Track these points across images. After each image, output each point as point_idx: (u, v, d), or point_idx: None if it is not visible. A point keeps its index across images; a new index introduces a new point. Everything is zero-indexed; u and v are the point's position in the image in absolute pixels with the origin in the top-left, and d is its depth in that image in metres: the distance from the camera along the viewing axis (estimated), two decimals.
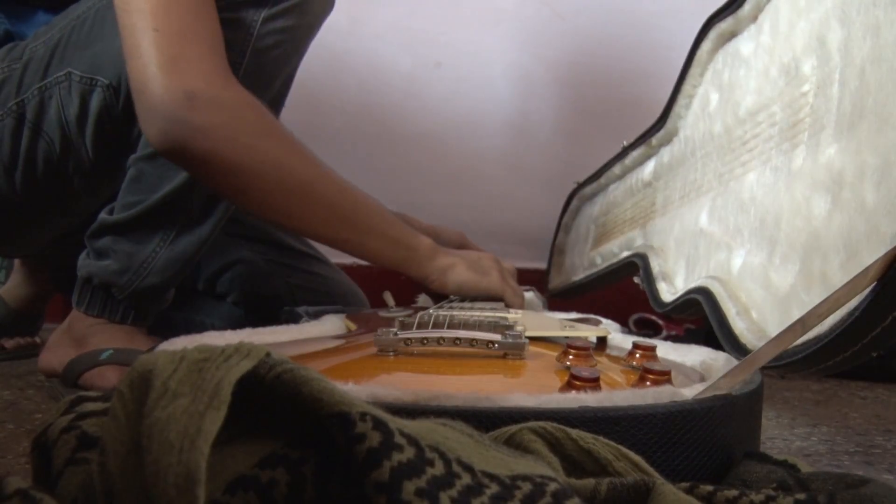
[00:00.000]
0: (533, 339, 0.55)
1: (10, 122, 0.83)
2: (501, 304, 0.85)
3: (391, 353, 0.50)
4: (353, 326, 0.76)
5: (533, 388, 0.44)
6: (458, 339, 0.50)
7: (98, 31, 0.82)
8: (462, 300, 0.87)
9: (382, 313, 0.81)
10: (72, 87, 0.81)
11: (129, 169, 0.82)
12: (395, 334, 0.50)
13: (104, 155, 0.84)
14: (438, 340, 0.50)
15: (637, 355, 0.51)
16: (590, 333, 0.60)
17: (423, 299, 1.07)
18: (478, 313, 0.68)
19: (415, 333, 0.51)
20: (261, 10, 0.78)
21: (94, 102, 0.81)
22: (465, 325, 0.55)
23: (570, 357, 0.48)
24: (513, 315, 0.68)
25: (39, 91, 0.82)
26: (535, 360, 0.50)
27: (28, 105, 0.83)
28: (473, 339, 0.50)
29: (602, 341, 0.62)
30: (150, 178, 0.80)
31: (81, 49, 0.82)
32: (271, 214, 0.78)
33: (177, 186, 0.80)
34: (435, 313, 0.64)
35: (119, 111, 0.82)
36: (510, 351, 0.49)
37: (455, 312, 0.68)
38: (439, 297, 0.91)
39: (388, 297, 0.87)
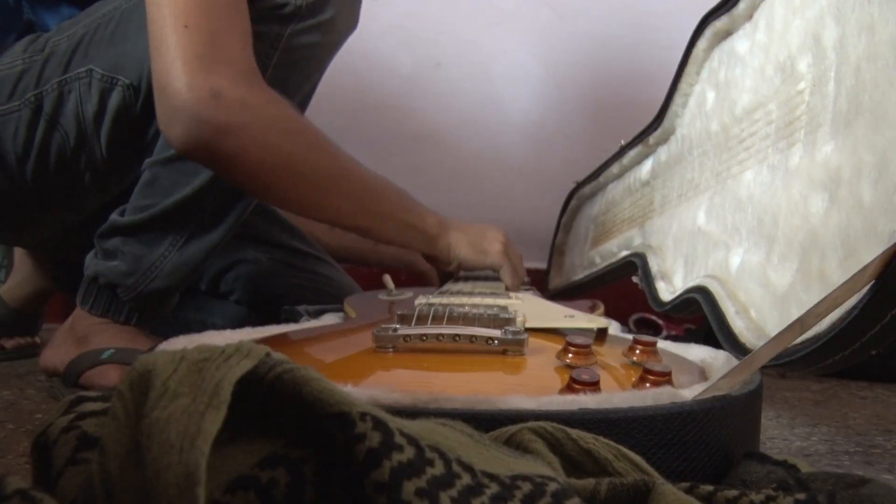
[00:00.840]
0: (533, 331, 0.56)
1: (27, 112, 0.83)
2: (503, 286, 0.85)
3: (390, 349, 0.50)
4: (352, 312, 0.76)
5: (532, 388, 0.44)
6: (457, 335, 0.50)
7: (123, 31, 0.82)
8: (465, 279, 0.89)
9: (382, 296, 0.81)
10: (92, 83, 0.82)
11: (143, 172, 0.82)
12: (395, 330, 0.50)
13: (117, 154, 0.84)
14: (438, 337, 0.50)
15: (637, 351, 0.51)
16: (590, 325, 0.60)
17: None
18: (478, 300, 0.68)
19: (414, 330, 0.50)
20: (288, 26, 0.79)
21: (113, 101, 0.81)
22: (465, 319, 0.54)
23: (570, 355, 0.47)
24: (513, 303, 0.68)
25: (59, 85, 0.83)
26: (535, 357, 0.50)
27: (46, 98, 0.83)
28: (473, 336, 0.50)
29: (602, 332, 0.62)
30: (164, 182, 0.81)
31: (105, 47, 0.82)
32: (292, 207, 0.81)
33: (190, 193, 0.80)
34: (436, 302, 0.63)
35: (137, 112, 0.82)
36: (510, 347, 0.49)
37: (454, 300, 0.68)
38: (446, 273, 0.95)
39: (388, 281, 0.88)
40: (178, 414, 0.25)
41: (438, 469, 0.27)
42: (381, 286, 0.92)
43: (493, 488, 0.27)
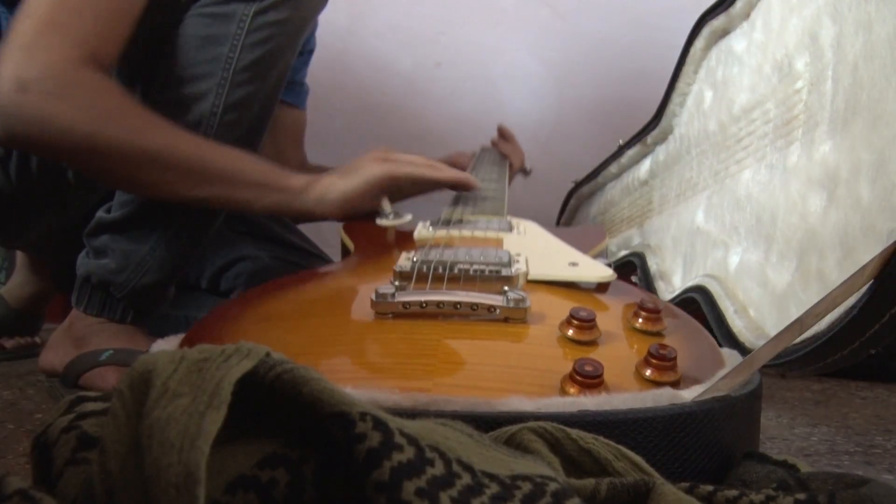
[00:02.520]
0: (535, 283, 0.55)
1: None
2: (503, 203, 0.82)
3: (390, 316, 0.49)
4: (349, 242, 0.76)
5: (534, 371, 0.43)
6: (458, 303, 0.49)
7: None
8: (465, 202, 0.85)
9: (380, 220, 0.79)
10: None
11: None
12: (394, 296, 0.49)
13: None
14: (438, 304, 0.49)
15: (640, 320, 0.50)
16: (593, 278, 0.59)
17: None
18: (480, 234, 0.68)
19: (414, 296, 0.50)
20: (251, 4, 0.79)
21: None
22: (466, 278, 0.54)
23: (573, 329, 0.47)
24: (516, 242, 0.66)
25: None
26: (537, 327, 0.49)
27: None
28: (474, 304, 0.49)
29: (605, 284, 0.60)
30: None
31: None
32: (125, 187, 0.78)
33: None
34: (440, 238, 0.61)
35: None
36: (511, 315, 0.49)
37: (454, 234, 0.67)
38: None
39: (386, 204, 0.83)
40: (178, 414, 0.25)
41: (438, 469, 0.27)
42: None
43: (493, 488, 0.27)
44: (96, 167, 0.74)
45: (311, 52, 1.17)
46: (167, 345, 0.52)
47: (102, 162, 0.73)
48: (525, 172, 1.30)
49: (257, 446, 0.28)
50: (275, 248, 1.11)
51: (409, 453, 0.26)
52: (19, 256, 1.19)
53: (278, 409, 0.29)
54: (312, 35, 1.14)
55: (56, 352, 0.84)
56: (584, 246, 0.67)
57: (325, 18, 0.95)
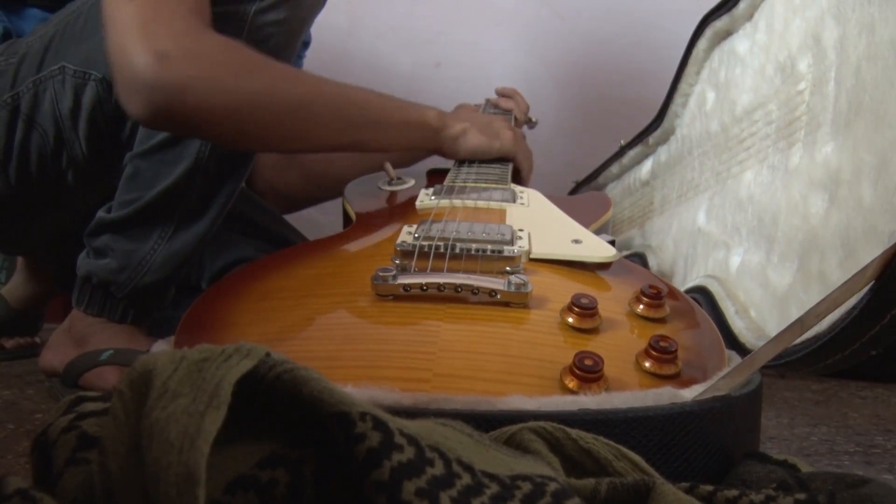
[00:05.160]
0: (537, 261, 0.55)
1: (5, 114, 0.83)
2: (508, 172, 0.83)
3: (391, 298, 0.49)
4: (350, 208, 0.76)
5: (533, 362, 0.43)
6: (459, 286, 0.49)
7: (92, 25, 0.82)
8: (469, 163, 0.87)
9: (382, 185, 0.80)
10: (65, 80, 0.82)
11: (125, 167, 0.82)
12: (394, 278, 0.49)
13: (97, 150, 0.84)
14: (439, 287, 0.49)
15: (641, 307, 0.49)
16: (595, 258, 0.58)
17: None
18: (483, 204, 0.68)
19: (414, 278, 0.49)
20: (252, 3, 0.78)
21: (87, 96, 0.81)
22: (468, 257, 0.53)
23: (573, 317, 0.46)
24: (518, 214, 0.66)
25: (34, 84, 0.83)
26: (538, 312, 0.49)
27: (23, 98, 0.83)
28: (475, 287, 0.49)
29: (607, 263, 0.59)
30: (146, 174, 0.80)
31: (76, 43, 0.82)
32: (276, 145, 0.80)
33: (173, 182, 0.80)
34: (444, 205, 0.61)
35: (112, 106, 0.82)
36: (513, 300, 0.49)
37: (458, 204, 0.67)
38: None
39: (389, 169, 0.86)
40: (179, 414, 0.25)
41: (438, 469, 0.27)
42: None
43: (493, 488, 0.27)
44: (242, 127, 0.73)
45: (306, 45, 1.18)
46: (167, 345, 0.52)
47: (249, 118, 0.72)
48: (530, 124, 1.29)
49: (257, 446, 0.28)
50: (274, 249, 1.11)
51: (409, 453, 0.26)
52: (20, 257, 1.19)
53: (278, 409, 0.29)
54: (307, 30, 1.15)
55: (56, 352, 0.84)
56: (589, 216, 0.67)
57: (324, 19, 0.95)
